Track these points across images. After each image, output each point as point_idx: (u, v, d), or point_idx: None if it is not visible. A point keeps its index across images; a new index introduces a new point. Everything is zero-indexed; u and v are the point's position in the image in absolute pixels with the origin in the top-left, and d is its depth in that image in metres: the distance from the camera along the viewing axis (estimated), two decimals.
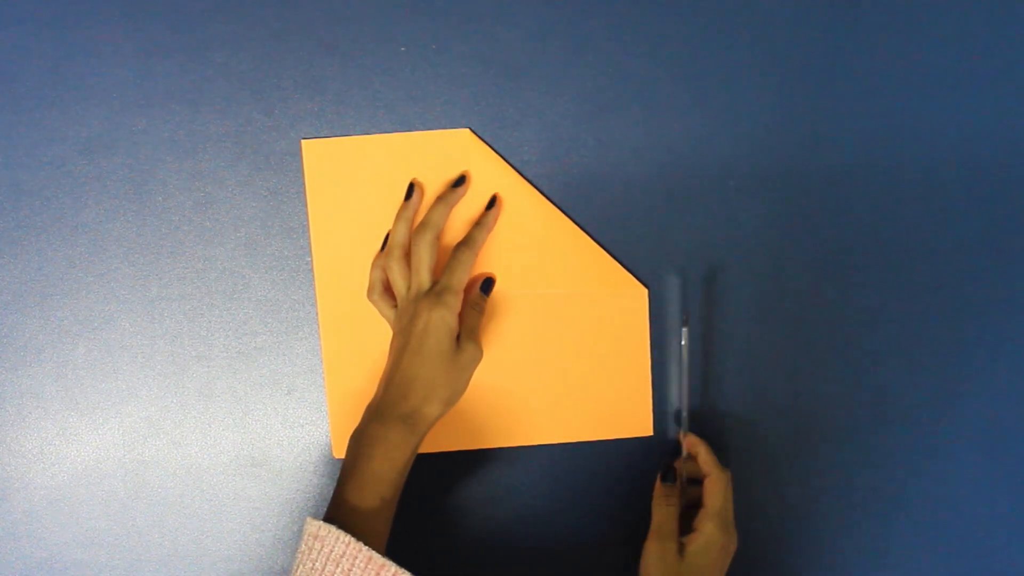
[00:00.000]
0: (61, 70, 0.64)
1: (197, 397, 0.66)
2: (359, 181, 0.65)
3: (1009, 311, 0.67)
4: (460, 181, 0.64)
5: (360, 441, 0.56)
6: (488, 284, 0.64)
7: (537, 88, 0.65)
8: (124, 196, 0.65)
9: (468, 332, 0.60)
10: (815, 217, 0.66)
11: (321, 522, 0.53)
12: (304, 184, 0.65)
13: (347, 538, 0.52)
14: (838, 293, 0.66)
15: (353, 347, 0.65)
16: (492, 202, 0.64)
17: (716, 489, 0.60)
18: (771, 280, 0.66)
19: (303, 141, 0.64)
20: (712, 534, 0.59)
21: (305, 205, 0.65)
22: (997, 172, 0.66)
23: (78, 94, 0.64)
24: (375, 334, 0.65)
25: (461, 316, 0.61)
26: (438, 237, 0.62)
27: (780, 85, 0.65)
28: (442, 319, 0.58)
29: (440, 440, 0.66)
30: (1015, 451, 0.68)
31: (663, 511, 0.61)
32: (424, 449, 0.66)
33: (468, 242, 0.62)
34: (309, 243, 0.65)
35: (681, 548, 0.59)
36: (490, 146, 0.65)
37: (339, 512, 0.55)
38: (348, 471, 0.56)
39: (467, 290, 0.62)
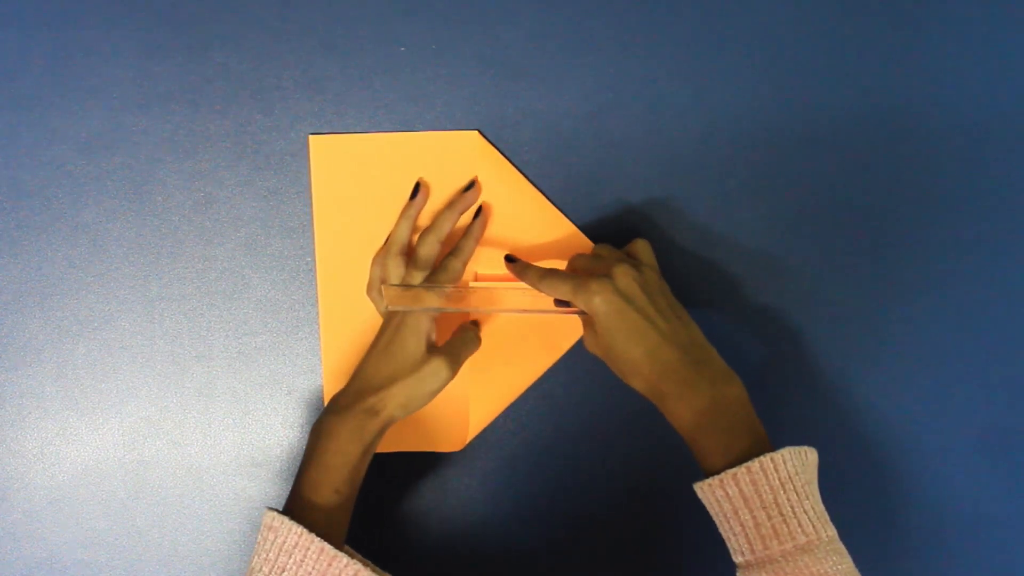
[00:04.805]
0: (61, 70, 0.64)
1: (197, 397, 0.66)
2: (365, 179, 0.64)
3: (1010, 311, 0.67)
4: (470, 187, 0.64)
5: (316, 433, 0.57)
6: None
7: (537, 88, 0.65)
8: (124, 196, 0.65)
9: (449, 352, 0.60)
10: (815, 217, 0.66)
11: (275, 513, 0.53)
12: (310, 179, 0.65)
13: (299, 529, 0.52)
14: (838, 292, 0.66)
15: (353, 347, 0.65)
16: (478, 212, 0.64)
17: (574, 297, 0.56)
18: (771, 280, 0.66)
19: (310, 136, 0.64)
20: (593, 323, 0.56)
21: (309, 201, 0.65)
22: (998, 173, 0.66)
23: (78, 94, 0.64)
24: (375, 334, 0.65)
25: (451, 337, 0.62)
26: (442, 241, 0.62)
27: (780, 85, 0.65)
28: (416, 321, 0.58)
29: (432, 440, 0.66)
30: (1015, 451, 0.68)
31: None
32: (420, 448, 0.66)
33: (457, 252, 0.62)
34: (310, 241, 0.65)
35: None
36: (492, 145, 0.65)
37: (295, 504, 0.55)
38: (305, 463, 0.56)
39: (466, 319, 0.64)
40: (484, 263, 0.64)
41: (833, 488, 0.67)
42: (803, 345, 0.67)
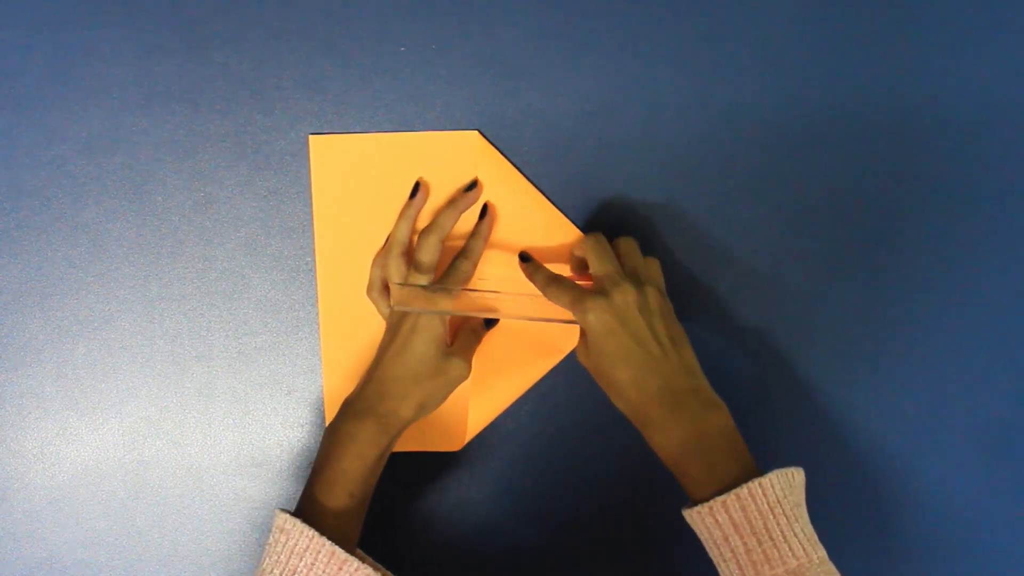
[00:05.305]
0: (61, 70, 0.64)
1: (197, 397, 0.66)
2: (365, 179, 0.64)
3: (1010, 311, 0.67)
4: (471, 186, 0.63)
5: (332, 436, 0.56)
6: (490, 321, 0.65)
7: (537, 88, 0.65)
8: (124, 196, 0.65)
9: (462, 350, 0.61)
10: (815, 217, 0.66)
11: (287, 515, 0.53)
12: (310, 179, 0.65)
13: (311, 532, 0.52)
14: (838, 292, 0.66)
15: (353, 347, 0.65)
16: (484, 211, 0.64)
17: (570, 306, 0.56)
18: (771, 280, 0.66)
19: (310, 136, 0.64)
20: (586, 337, 0.56)
21: (309, 201, 0.65)
22: (998, 173, 0.66)
23: (78, 94, 0.64)
24: (375, 334, 0.65)
25: (459, 334, 0.62)
26: (443, 240, 0.62)
27: (780, 85, 0.65)
28: (430, 323, 0.58)
29: (430, 439, 0.66)
30: (1015, 451, 0.68)
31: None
32: (419, 448, 0.66)
33: (466, 253, 0.62)
34: (310, 241, 0.65)
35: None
36: (492, 145, 0.65)
37: (307, 507, 0.55)
38: (319, 466, 0.56)
39: (472, 319, 0.64)
40: (483, 263, 0.64)
41: (832, 490, 0.67)
42: (802, 345, 0.67)
